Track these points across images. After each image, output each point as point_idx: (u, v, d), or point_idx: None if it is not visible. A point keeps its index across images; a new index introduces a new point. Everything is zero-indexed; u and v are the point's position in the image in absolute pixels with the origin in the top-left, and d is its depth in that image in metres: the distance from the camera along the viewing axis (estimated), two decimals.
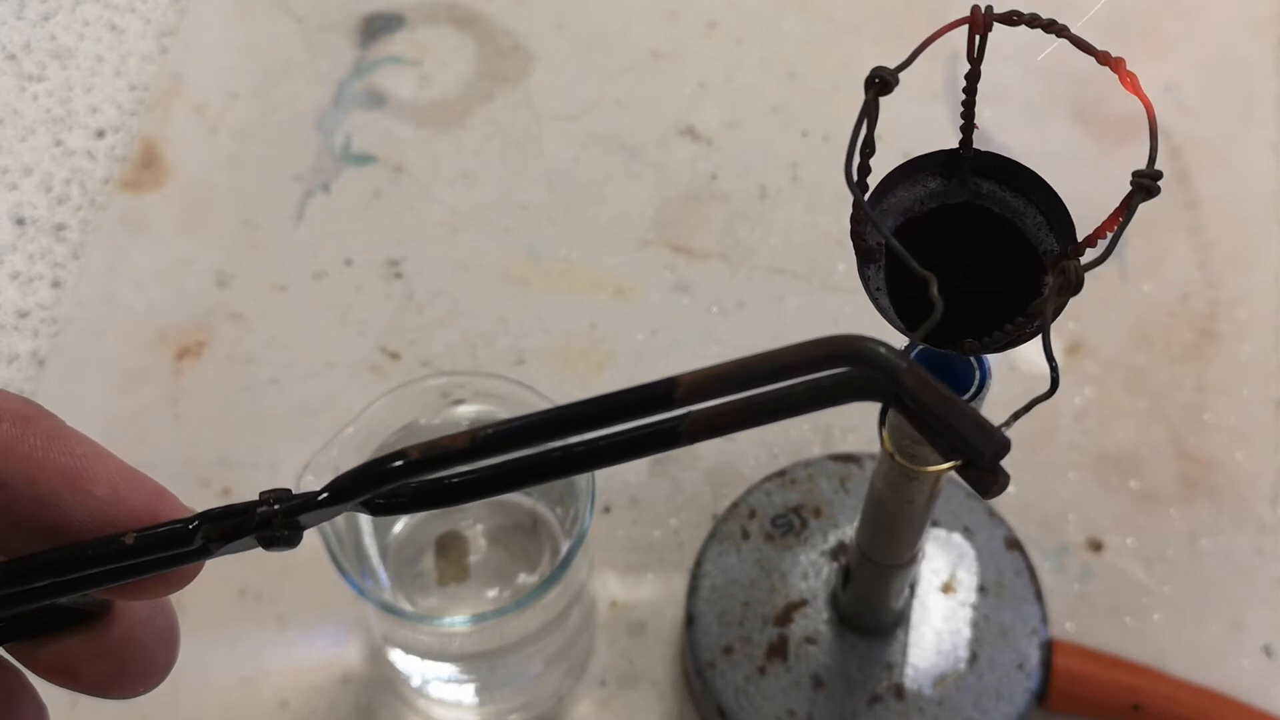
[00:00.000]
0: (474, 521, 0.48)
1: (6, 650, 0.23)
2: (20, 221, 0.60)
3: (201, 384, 0.55)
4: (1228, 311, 0.57)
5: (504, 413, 0.46)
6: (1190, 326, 0.56)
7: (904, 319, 0.27)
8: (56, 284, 0.58)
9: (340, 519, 0.42)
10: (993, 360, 0.31)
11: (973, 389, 0.31)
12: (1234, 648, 0.50)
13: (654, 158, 0.61)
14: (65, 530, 0.21)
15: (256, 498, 0.21)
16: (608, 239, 0.59)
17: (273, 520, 0.21)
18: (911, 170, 0.28)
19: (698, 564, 0.48)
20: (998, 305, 0.27)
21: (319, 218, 0.59)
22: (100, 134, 0.62)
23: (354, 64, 0.64)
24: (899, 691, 0.45)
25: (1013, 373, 0.55)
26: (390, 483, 0.21)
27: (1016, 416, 0.24)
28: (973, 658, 0.45)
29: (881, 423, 0.21)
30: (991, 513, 0.48)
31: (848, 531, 0.47)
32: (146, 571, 0.22)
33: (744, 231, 0.59)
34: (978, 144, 0.27)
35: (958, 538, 0.48)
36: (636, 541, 0.51)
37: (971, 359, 0.31)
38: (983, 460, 0.18)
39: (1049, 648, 0.46)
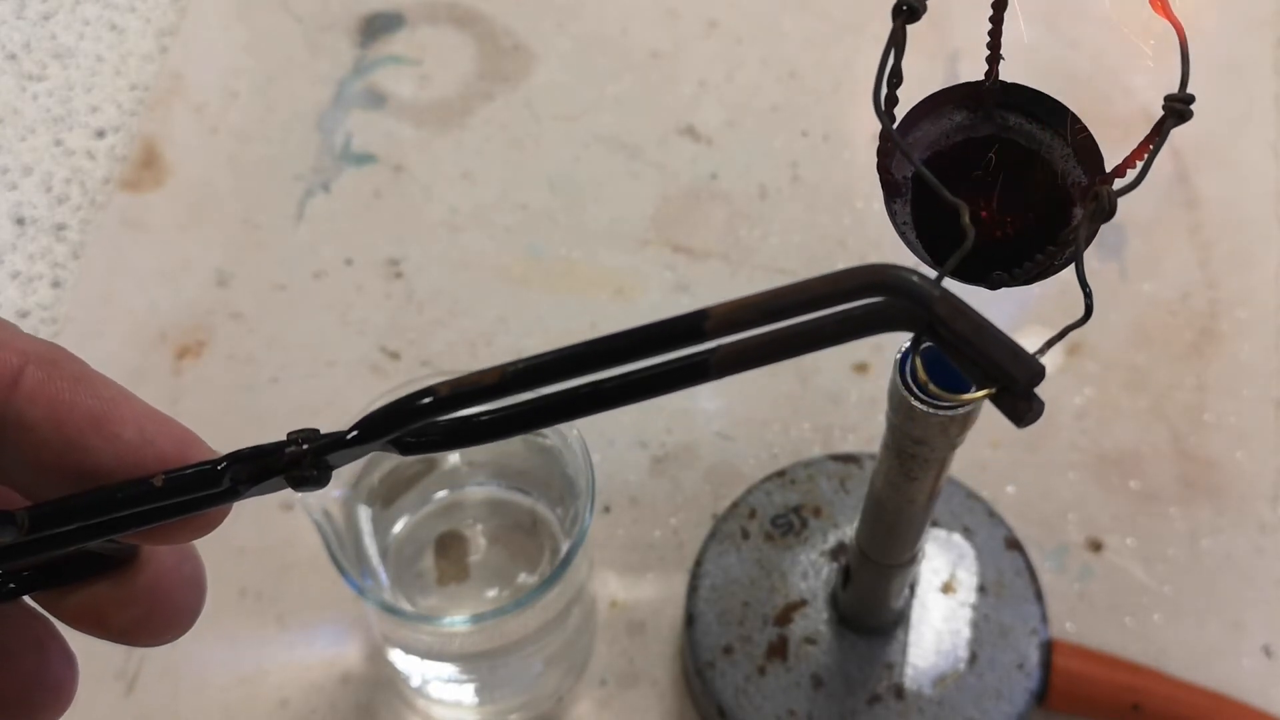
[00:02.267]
0: (474, 521, 0.48)
1: (35, 599, 0.23)
2: (20, 221, 0.60)
3: (201, 383, 0.55)
4: (1228, 311, 0.57)
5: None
6: (1190, 326, 0.56)
7: (931, 255, 0.26)
8: (56, 284, 0.58)
9: (340, 518, 0.42)
10: None
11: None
12: (1234, 648, 0.50)
13: (654, 157, 0.61)
14: (93, 474, 0.21)
15: (285, 438, 0.21)
16: (608, 239, 0.59)
17: (302, 460, 0.21)
18: (936, 104, 0.27)
19: (698, 564, 0.48)
20: (1026, 241, 0.26)
21: (319, 217, 0.59)
22: (100, 134, 0.62)
23: (354, 64, 0.64)
24: (899, 691, 0.45)
25: None
26: (419, 420, 0.20)
27: (1050, 343, 0.24)
28: (972, 658, 0.45)
29: (913, 353, 0.21)
30: (991, 513, 0.48)
31: (848, 531, 0.47)
32: (175, 514, 0.21)
33: (744, 231, 0.59)
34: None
35: (958, 538, 0.48)
36: (636, 541, 0.51)
37: None
38: (1018, 386, 0.18)
39: (1049, 648, 0.46)
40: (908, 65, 0.23)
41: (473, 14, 0.65)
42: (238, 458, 0.21)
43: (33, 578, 0.23)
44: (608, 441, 0.53)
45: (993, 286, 0.26)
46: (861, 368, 0.55)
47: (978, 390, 0.19)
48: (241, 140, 0.62)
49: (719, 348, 0.19)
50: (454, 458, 0.48)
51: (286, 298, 0.57)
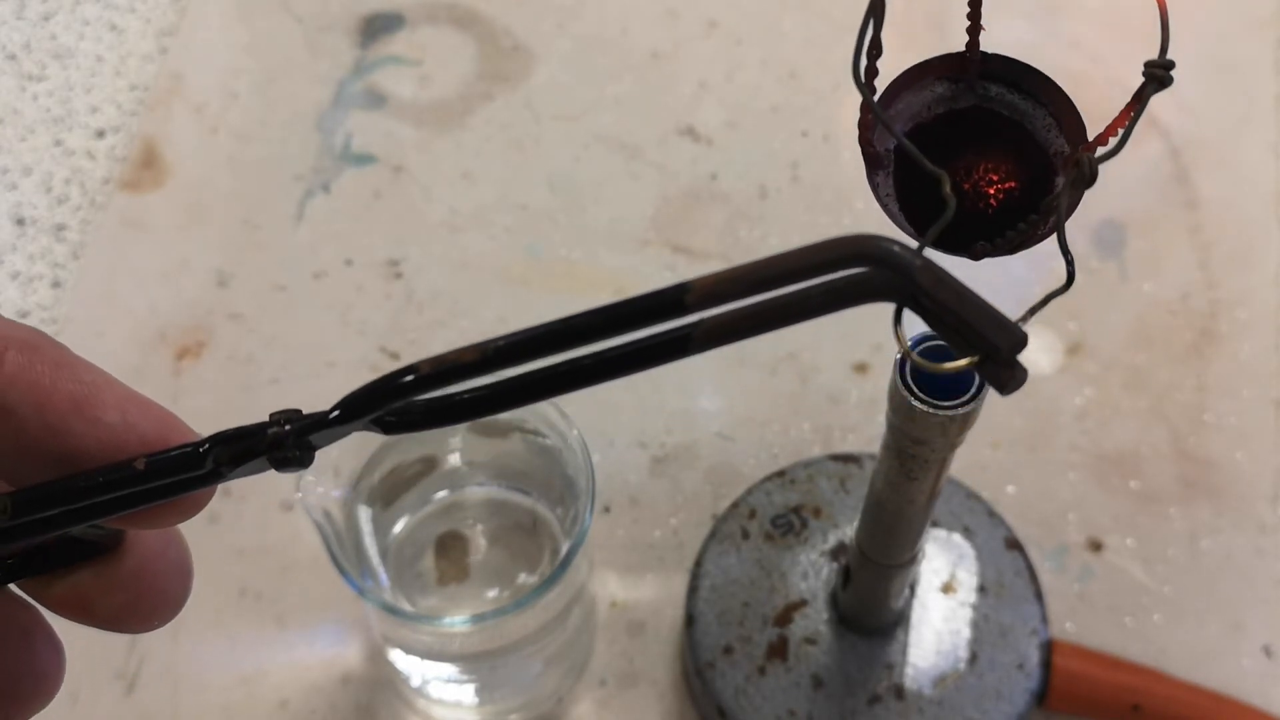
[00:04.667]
0: (474, 521, 0.48)
1: (20, 587, 0.23)
2: (20, 221, 0.60)
3: (201, 384, 0.55)
4: (1228, 311, 0.57)
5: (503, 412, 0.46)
6: (1190, 326, 0.56)
7: (914, 227, 0.26)
8: (56, 284, 0.58)
9: (340, 519, 0.42)
10: None
11: (973, 389, 0.31)
12: (1234, 648, 0.50)
13: (654, 158, 0.61)
14: (75, 458, 0.21)
15: (266, 419, 0.21)
16: (608, 239, 0.59)
17: (284, 441, 0.21)
18: (918, 75, 0.27)
19: (698, 564, 0.48)
20: (1009, 212, 0.26)
21: (319, 218, 0.59)
22: (100, 134, 0.62)
23: (354, 64, 0.64)
24: (899, 691, 0.45)
25: None
26: (401, 398, 0.20)
27: (1033, 311, 0.24)
28: (972, 658, 0.45)
29: (896, 323, 0.21)
30: (991, 513, 0.48)
31: (848, 531, 0.47)
32: (158, 497, 0.21)
33: (744, 231, 0.59)
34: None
35: (958, 538, 0.48)
36: (636, 541, 0.51)
37: None
38: (1000, 354, 0.18)
39: (1049, 648, 0.46)
40: (890, 37, 0.23)
41: (473, 14, 0.65)
42: (220, 439, 0.21)
43: (18, 565, 0.23)
44: (608, 441, 0.53)
45: (975, 257, 0.26)
46: (861, 368, 0.55)
47: (960, 359, 0.19)
48: (241, 140, 0.62)
49: (701, 321, 0.19)
50: (454, 458, 0.48)
51: (286, 298, 0.57)
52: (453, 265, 0.58)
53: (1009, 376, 0.19)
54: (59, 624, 0.24)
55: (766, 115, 0.62)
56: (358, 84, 0.63)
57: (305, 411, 0.21)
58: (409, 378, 0.20)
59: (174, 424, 0.22)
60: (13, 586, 0.23)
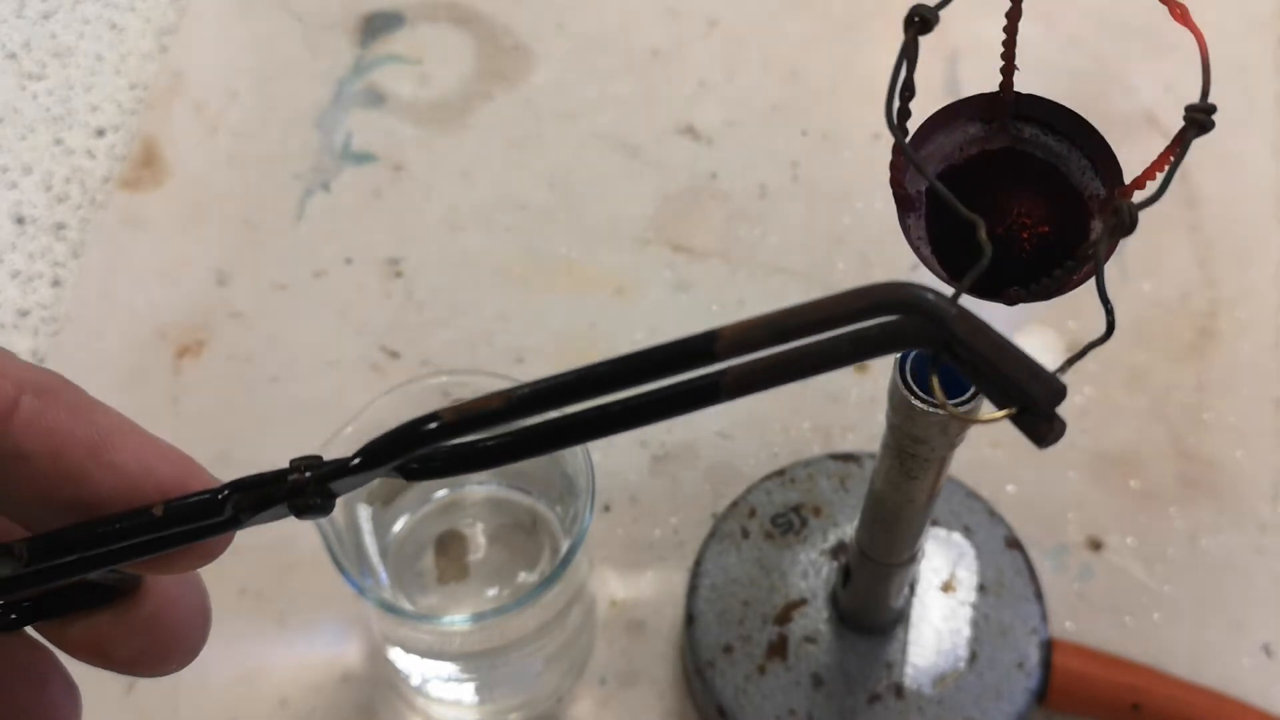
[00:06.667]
0: (474, 520, 0.48)
1: (36, 630, 0.23)
2: (20, 220, 0.60)
3: (201, 383, 0.55)
4: (1227, 311, 0.57)
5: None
6: (1190, 326, 0.56)
7: (947, 271, 0.26)
8: (56, 283, 0.58)
9: (340, 518, 0.42)
10: None
11: (973, 388, 0.31)
12: (1234, 647, 0.50)
13: (654, 157, 0.61)
14: (92, 504, 0.21)
15: (288, 465, 0.21)
16: (607, 238, 0.59)
17: (305, 488, 0.21)
18: (951, 115, 0.27)
19: (697, 563, 0.48)
20: (1043, 256, 0.26)
21: (319, 216, 0.59)
22: (100, 133, 0.62)
23: (354, 63, 0.64)
24: (899, 690, 0.45)
25: None
26: (423, 446, 0.20)
27: (1071, 362, 0.23)
28: (972, 657, 0.45)
29: (932, 371, 0.20)
30: (991, 512, 0.48)
31: (847, 530, 0.48)
32: (176, 544, 0.21)
33: (744, 230, 0.59)
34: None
35: (957, 537, 0.48)
36: (636, 540, 0.51)
37: None
38: (1039, 407, 0.18)
39: (1049, 647, 0.46)
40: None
41: (473, 13, 0.65)
42: (239, 486, 0.21)
43: (34, 608, 0.23)
44: (608, 441, 0.53)
45: (1010, 303, 0.25)
46: (861, 367, 0.55)
47: (998, 410, 0.18)
48: (241, 140, 0.62)
49: (729, 369, 0.19)
50: None
51: (286, 297, 0.57)
52: (453, 264, 0.58)
53: (1047, 429, 0.18)
54: (73, 665, 0.24)
55: (766, 115, 0.62)
56: (358, 83, 0.63)
57: (325, 458, 0.21)
58: (432, 425, 0.20)
59: (192, 469, 0.22)
60: (29, 629, 0.23)
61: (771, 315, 0.18)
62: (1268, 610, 0.50)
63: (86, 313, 0.57)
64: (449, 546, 0.48)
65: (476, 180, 0.60)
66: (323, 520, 0.41)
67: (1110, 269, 0.57)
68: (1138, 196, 0.24)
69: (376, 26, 0.65)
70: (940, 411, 0.31)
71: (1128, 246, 0.58)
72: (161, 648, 0.23)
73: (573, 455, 0.43)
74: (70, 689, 0.23)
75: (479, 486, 0.48)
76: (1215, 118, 0.23)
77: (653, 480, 0.53)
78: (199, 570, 0.23)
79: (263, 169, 0.61)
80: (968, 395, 0.31)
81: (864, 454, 0.50)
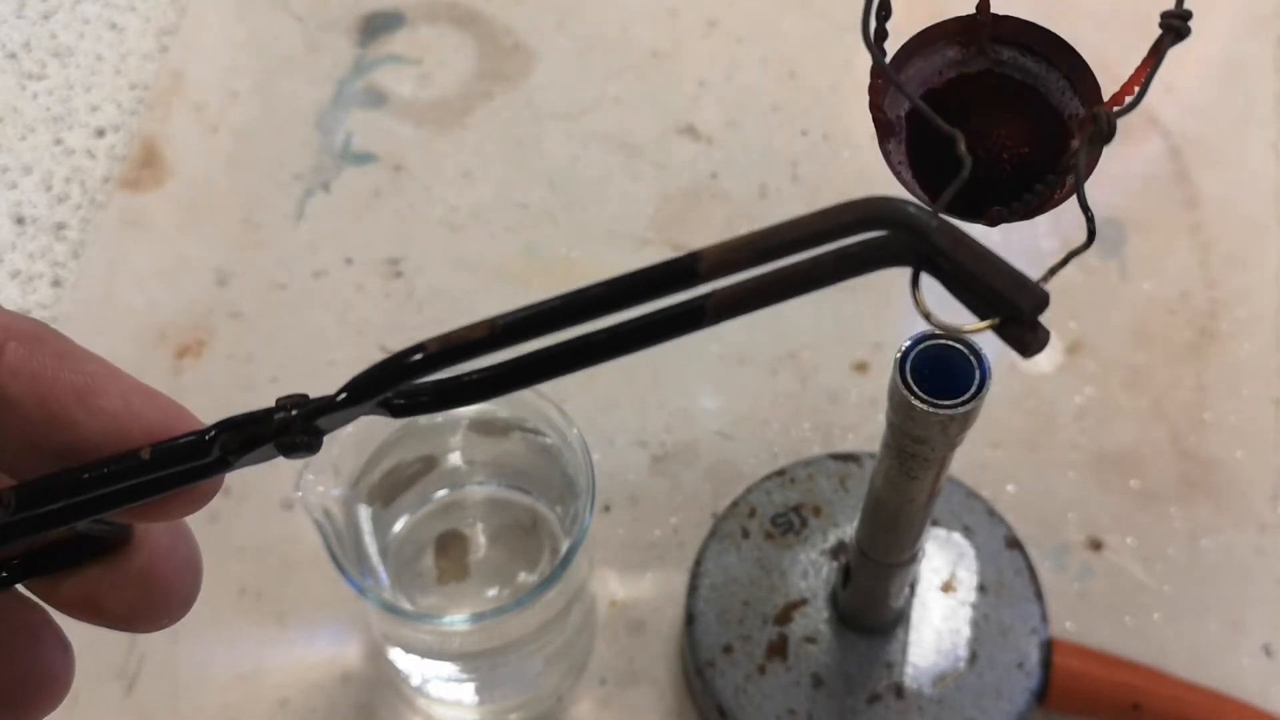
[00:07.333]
0: (474, 520, 0.48)
1: (28, 587, 0.23)
2: (20, 220, 0.60)
3: (202, 383, 0.55)
4: (1228, 310, 0.57)
5: (503, 411, 0.46)
6: (1190, 325, 0.56)
7: (928, 195, 0.25)
8: (56, 283, 0.58)
9: (340, 517, 0.42)
10: (992, 360, 0.31)
11: (973, 388, 0.31)
12: (1234, 647, 0.50)
13: (654, 157, 0.61)
14: (80, 450, 0.21)
15: (274, 404, 0.20)
16: (608, 238, 0.59)
17: (291, 425, 0.20)
18: (927, 40, 0.26)
19: (698, 563, 0.48)
20: (1024, 178, 0.25)
21: (319, 216, 0.59)
22: (100, 133, 0.62)
23: (354, 63, 0.64)
24: (899, 690, 0.45)
25: (1012, 371, 0.55)
26: (409, 378, 0.20)
27: (1054, 271, 0.23)
28: (972, 657, 0.45)
29: (914, 287, 0.20)
30: (991, 512, 0.48)
31: (848, 530, 0.48)
32: (165, 488, 0.21)
33: (744, 230, 0.59)
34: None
35: (958, 537, 0.48)
36: (636, 540, 0.51)
37: (971, 358, 0.31)
38: (1023, 315, 0.18)
39: (1049, 647, 0.46)
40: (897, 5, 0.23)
41: (473, 14, 0.65)
42: (226, 426, 0.21)
43: (25, 565, 0.22)
44: (608, 440, 0.53)
45: (991, 222, 0.25)
46: (861, 367, 0.55)
47: (981, 321, 0.18)
48: (241, 140, 0.62)
49: (714, 292, 0.18)
50: (454, 457, 0.48)
51: (286, 297, 0.57)
52: (452, 264, 0.58)
53: (1031, 338, 0.18)
54: (66, 624, 0.23)
55: (766, 115, 0.62)
56: (357, 83, 0.63)
57: (311, 396, 0.21)
58: (417, 356, 0.19)
59: (179, 413, 0.22)
60: (20, 587, 0.23)
61: (753, 234, 0.18)
62: (1268, 610, 0.50)
63: (86, 313, 0.57)
64: (449, 547, 0.48)
65: (476, 180, 0.61)
66: (323, 520, 0.41)
67: (1111, 268, 0.57)
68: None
69: (376, 26, 0.65)
70: (940, 411, 0.31)
71: (1128, 247, 0.58)
72: (154, 601, 0.23)
73: (573, 455, 0.43)
74: (64, 647, 0.23)
75: (479, 487, 0.48)
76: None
77: (653, 480, 0.53)
78: (190, 527, 0.23)
79: (263, 169, 0.61)
80: (968, 395, 0.31)
81: (864, 454, 0.50)
